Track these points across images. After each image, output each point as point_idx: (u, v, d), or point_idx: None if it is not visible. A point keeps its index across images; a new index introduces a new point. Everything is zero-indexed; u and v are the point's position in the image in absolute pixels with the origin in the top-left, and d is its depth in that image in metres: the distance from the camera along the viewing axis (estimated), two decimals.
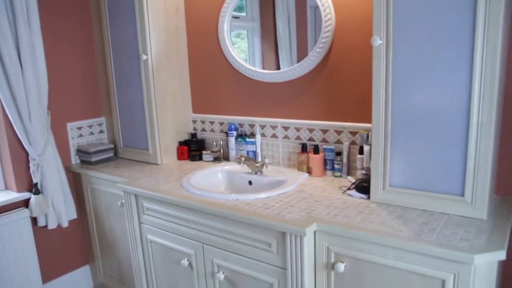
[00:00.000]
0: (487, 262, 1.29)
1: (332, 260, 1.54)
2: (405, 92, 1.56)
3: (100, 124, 2.80)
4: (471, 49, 1.41)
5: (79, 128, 2.70)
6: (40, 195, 2.40)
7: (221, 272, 1.83)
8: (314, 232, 1.54)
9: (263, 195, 1.84)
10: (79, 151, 2.65)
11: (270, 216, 1.62)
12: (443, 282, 1.33)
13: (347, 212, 1.61)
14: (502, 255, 1.29)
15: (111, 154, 2.67)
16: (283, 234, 1.57)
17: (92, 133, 2.77)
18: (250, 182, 2.15)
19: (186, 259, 1.96)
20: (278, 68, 2.25)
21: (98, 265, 2.72)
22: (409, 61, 1.53)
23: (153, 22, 2.35)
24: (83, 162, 2.66)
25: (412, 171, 1.60)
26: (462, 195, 1.52)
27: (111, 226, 2.49)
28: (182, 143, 2.59)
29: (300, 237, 1.52)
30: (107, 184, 2.39)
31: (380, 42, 1.56)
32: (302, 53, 2.15)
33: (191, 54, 2.59)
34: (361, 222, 1.52)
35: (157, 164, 2.50)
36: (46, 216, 2.48)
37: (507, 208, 1.60)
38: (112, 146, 2.69)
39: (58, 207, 2.48)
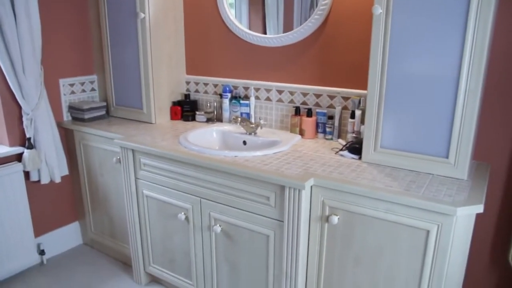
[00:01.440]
0: (467, 214, 1.45)
1: (327, 213, 1.67)
2: (401, 60, 1.67)
3: (92, 82, 2.81)
4: (464, 21, 1.52)
5: (71, 85, 2.70)
6: (33, 150, 2.43)
7: (218, 225, 1.94)
8: (311, 187, 1.66)
9: (259, 153, 1.94)
10: (72, 108, 2.67)
11: (270, 171, 1.73)
12: (428, 232, 1.48)
13: (341, 170, 1.74)
14: (480, 208, 1.44)
15: (103, 112, 2.70)
16: (282, 188, 1.68)
17: (84, 91, 2.78)
18: (244, 142, 2.24)
19: (183, 213, 2.06)
20: (265, 32, 2.32)
21: (88, 221, 2.78)
22: (406, 30, 1.63)
23: None
24: (75, 119, 2.68)
25: (402, 134, 1.73)
26: (447, 157, 1.66)
27: (104, 182, 2.55)
28: (175, 104, 2.65)
29: (299, 190, 1.64)
30: (102, 140, 2.43)
31: (381, 11, 1.65)
32: (289, 21, 2.22)
33: (187, 15, 2.61)
34: (355, 178, 1.65)
35: (151, 123, 2.55)
36: (39, 171, 2.51)
37: (483, 172, 1.76)
38: (105, 104, 2.72)
39: (50, 162, 2.52)
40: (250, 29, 2.39)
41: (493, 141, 1.85)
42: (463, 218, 1.46)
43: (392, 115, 1.74)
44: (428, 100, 1.65)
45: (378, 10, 1.66)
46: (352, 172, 1.72)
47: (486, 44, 1.50)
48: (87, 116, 2.59)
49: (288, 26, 2.24)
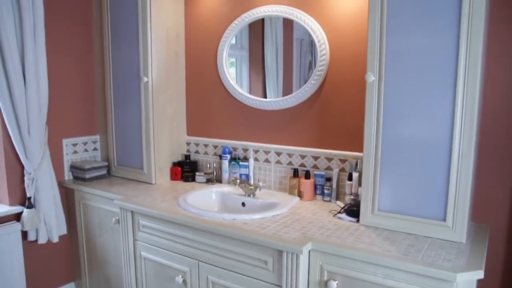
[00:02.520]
0: (467, 280, 1.43)
1: (325, 278, 1.65)
2: (395, 125, 1.72)
3: (94, 142, 2.87)
4: (453, 86, 1.58)
5: (74, 145, 2.76)
6: (32, 209, 2.43)
7: None
8: (309, 251, 1.65)
9: (258, 216, 1.95)
10: (73, 167, 2.71)
11: (268, 235, 1.73)
12: None
13: (339, 234, 1.73)
14: (480, 274, 1.43)
15: (104, 172, 2.73)
16: (280, 252, 1.67)
17: (86, 150, 2.83)
18: (243, 204, 2.25)
19: (180, 276, 2.03)
20: (265, 96, 2.40)
21: (84, 282, 2.73)
22: (399, 96, 1.70)
23: (155, 47, 2.47)
24: (76, 178, 2.71)
25: (399, 197, 1.75)
26: (444, 220, 1.66)
27: (102, 243, 2.53)
28: (176, 164, 2.68)
29: (297, 255, 1.62)
30: (102, 200, 2.44)
31: (373, 78, 1.73)
32: (288, 83, 2.32)
33: (189, 79, 2.72)
34: (353, 242, 1.64)
35: (151, 183, 2.57)
36: (37, 230, 2.50)
37: (482, 234, 1.76)
38: (106, 164, 2.76)
39: (49, 222, 2.51)
40: (250, 90, 2.47)
41: (491, 202, 1.87)
42: (463, 284, 1.44)
43: (388, 178, 1.76)
44: (422, 164, 1.68)
45: (371, 77, 1.73)
46: (350, 235, 1.71)
47: (475, 110, 1.56)
48: (88, 175, 2.62)
49: (287, 89, 2.32)
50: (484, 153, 1.85)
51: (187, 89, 2.74)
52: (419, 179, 1.70)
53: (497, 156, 1.84)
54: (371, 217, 1.81)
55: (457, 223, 1.64)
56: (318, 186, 2.20)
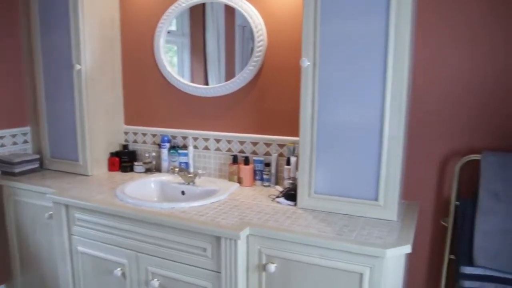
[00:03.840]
0: (397, 255, 1.49)
1: (264, 262, 1.66)
2: (329, 109, 1.75)
3: (24, 134, 2.71)
4: (383, 75, 1.64)
5: (1, 137, 2.59)
6: None
7: (156, 279, 1.88)
8: (247, 236, 1.66)
9: (197, 203, 1.93)
10: (1, 162, 2.55)
11: (205, 222, 1.71)
12: (361, 275, 1.51)
13: (277, 217, 1.75)
14: (408, 248, 1.50)
15: (36, 165, 2.59)
16: (218, 239, 1.67)
17: (15, 143, 2.67)
18: (183, 192, 2.22)
19: (119, 268, 1.97)
20: (207, 83, 2.38)
21: (17, 283, 2.59)
22: (334, 82, 1.73)
23: (88, 32, 2.36)
24: (4, 173, 2.55)
25: (335, 179, 1.79)
26: (376, 199, 1.73)
27: (36, 240, 2.41)
28: (113, 154, 2.60)
29: (235, 241, 1.63)
30: (34, 196, 2.32)
31: (308, 63, 1.75)
32: (231, 70, 2.29)
33: (126, 66, 2.63)
34: (290, 225, 1.66)
35: (87, 175, 2.48)
36: None
37: (412, 211, 1.84)
38: (38, 156, 2.62)
39: None
40: (192, 78, 2.43)
41: (420, 180, 1.96)
42: (393, 259, 1.50)
43: (324, 161, 1.80)
44: (356, 147, 1.73)
45: (306, 62, 1.75)
46: (288, 219, 1.74)
47: (404, 93, 1.62)
48: (17, 169, 2.48)
49: (229, 76, 2.30)
50: (413, 134, 1.93)
51: (124, 76, 2.65)
52: (353, 162, 1.75)
53: (425, 137, 1.92)
54: (308, 200, 1.84)
55: (388, 202, 1.71)
56: (258, 172, 2.21)
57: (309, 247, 1.57)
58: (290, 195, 1.92)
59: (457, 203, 1.81)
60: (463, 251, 1.76)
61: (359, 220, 1.71)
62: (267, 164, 2.19)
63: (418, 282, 2.03)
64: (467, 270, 1.75)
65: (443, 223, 1.90)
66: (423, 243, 1.99)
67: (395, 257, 1.50)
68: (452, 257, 1.87)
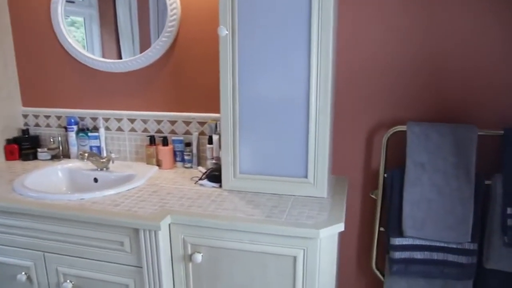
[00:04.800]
0: (330, 234, 1.42)
1: (189, 252, 1.51)
2: (251, 82, 1.61)
3: None
4: (308, 46, 1.53)
5: None
6: None
7: (68, 281, 1.66)
8: (169, 225, 1.50)
9: (111, 191, 1.72)
10: None
11: (120, 213, 1.52)
12: (295, 258, 1.42)
13: (201, 202, 1.60)
14: (341, 227, 1.43)
15: None
16: (136, 230, 1.49)
17: None
18: (95, 180, 1.99)
19: (23, 273, 1.72)
20: (120, 58, 2.12)
21: None
22: (256, 53, 1.59)
23: None
24: None
25: (260, 157, 1.67)
26: (306, 177, 1.64)
27: None
28: (10, 141, 2.26)
29: (155, 231, 1.46)
30: None
31: (227, 32, 1.58)
32: (146, 43, 2.06)
33: (18, 41, 2.27)
34: (215, 210, 1.52)
35: None
36: None
37: (341, 186, 1.79)
38: None
39: None
40: (103, 52, 2.15)
41: (348, 155, 1.91)
42: (326, 239, 1.42)
43: (249, 138, 1.67)
44: (282, 122, 1.62)
45: (224, 31, 1.58)
46: (213, 203, 1.59)
47: (329, 65, 1.52)
48: None
49: (145, 49, 2.05)
50: (339, 108, 1.87)
51: (17, 53, 2.29)
52: (280, 138, 1.64)
53: (351, 110, 1.86)
54: (234, 181, 1.71)
55: (318, 179, 1.63)
56: (178, 153, 2.04)
57: (238, 232, 1.44)
58: (214, 176, 1.78)
59: (385, 175, 1.78)
60: (392, 223, 1.75)
61: (288, 200, 1.62)
62: (188, 144, 2.02)
63: (350, 256, 2.01)
64: (397, 241, 1.74)
65: (372, 196, 1.87)
66: (354, 217, 1.96)
67: (329, 237, 1.43)
68: (382, 229, 1.85)
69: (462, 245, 1.70)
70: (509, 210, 1.64)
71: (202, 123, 2.02)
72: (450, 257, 1.72)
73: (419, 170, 1.69)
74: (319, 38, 1.51)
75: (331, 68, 1.54)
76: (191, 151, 2.01)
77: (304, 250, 1.41)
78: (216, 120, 1.94)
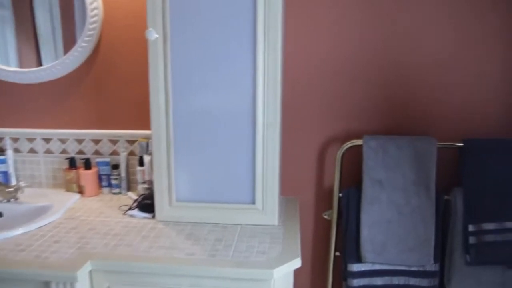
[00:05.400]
0: (285, 273, 1.21)
1: None
2: (188, 94, 1.38)
3: None
4: (253, 52, 1.32)
5: None
6: None
7: None
8: (90, 272, 1.22)
9: (17, 231, 1.39)
10: None
11: (25, 261, 1.21)
12: None
13: (130, 239, 1.33)
14: (298, 263, 1.22)
15: None
16: (47, 284, 1.19)
17: None
18: (0, 214, 1.65)
19: None
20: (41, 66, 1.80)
21: None
22: (192, 60, 1.35)
23: None
24: None
25: (201, 182, 1.44)
26: (253, 202, 1.43)
27: None
28: None
29: (71, 283, 1.17)
30: None
31: (157, 36, 1.34)
32: (70, 49, 1.75)
33: None
34: (148, 250, 1.27)
35: None
36: None
37: (292, 209, 1.60)
38: None
39: None
40: (20, 61, 1.79)
41: (298, 173, 1.72)
42: (281, 279, 1.21)
43: (186, 159, 1.43)
44: (224, 140, 1.40)
45: (153, 34, 1.34)
46: (145, 239, 1.33)
47: (278, 72, 1.32)
48: None
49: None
50: (287, 123, 1.68)
51: None
52: (222, 158, 1.41)
53: (300, 125, 1.68)
54: (169, 210, 1.46)
55: (267, 204, 1.42)
56: (103, 177, 1.74)
57: (176, 277, 1.20)
58: (146, 205, 1.51)
59: (340, 194, 1.61)
60: (349, 247, 1.58)
61: (234, 230, 1.40)
62: (115, 166, 1.73)
63: (303, 284, 1.82)
64: (355, 267, 1.57)
65: (325, 217, 1.69)
66: (306, 242, 1.78)
67: (284, 276, 1.22)
68: (338, 254, 1.68)
69: (423, 267, 1.56)
70: (470, 227, 1.53)
71: (131, 142, 1.74)
72: (412, 281, 1.58)
73: (377, 188, 1.53)
74: (265, 42, 1.31)
75: (280, 75, 1.34)
76: (119, 174, 1.72)
77: None
78: (148, 138, 1.68)
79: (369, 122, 1.64)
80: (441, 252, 1.59)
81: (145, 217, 1.50)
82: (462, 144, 1.53)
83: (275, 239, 1.33)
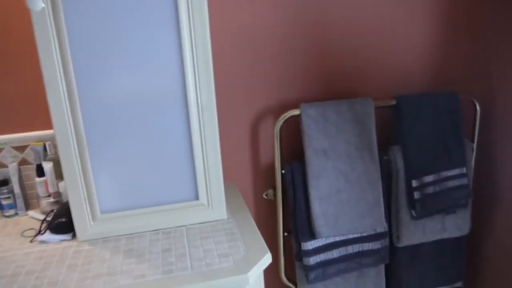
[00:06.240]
0: (259, 273, 1.04)
1: None
2: (99, 80, 1.09)
3: None
4: (175, 17, 1.08)
5: None
6: None
7: None
8: None
9: None
10: None
11: None
12: None
13: (52, 274, 1.03)
14: (269, 258, 1.06)
15: None
16: None
17: None
18: None
19: None
20: None
21: None
22: (97, 35, 1.06)
23: None
24: None
25: (129, 185, 1.17)
26: (197, 198, 1.21)
27: None
28: None
29: None
30: None
31: (43, 5, 1.01)
32: None
33: None
34: (82, 283, 0.99)
35: None
36: None
37: (233, 195, 1.42)
38: None
39: None
40: None
41: (232, 154, 1.53)
42: (254, 280, 1.04)
43: (106, 160, 1.15)
44: (152, 130, 1.15)
45: (38, 4, 1.01)
46: (72, 270, 1.04)
47: (208, 42, 1.10)
48: None
49: None
50: (220, 106, 1.48)
51: None
52: (152, 153, 1.16)
53: (230, 100, 1.48)
54: (94, 226, 1.17)
55: (213, 197, 1.22)
56: None
57: None
58: (60, 224, 1.19)
59: (283, 171, 1.47)
60: (300, 225, 1.46)
61: (180, 235, 1.17)
62: (4, 182, 1.35)
63: None
64: (309, 245, 1.46)
65: (266, 197, 1.55)
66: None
67: (257, 277, 1.05)
68: (286, 234, 1.56)
69: (375, 230, 1.52)
70: (414, 183, 1.52)
71: (21, 148, 1.37)
72: (365, 246, 1.53)
73: (321, 158, 1.42)
74: (189, 6, 1.07)
75: (210, 47, 1.12)
76: (10, 191, 1.35)
77: None
78: (44, 141, 1.33)
79: (303, 91, 1.51)
80: (388, 212, 1.57)
81: (62, 240, 1.18)
82: (395, 103, 1.50)
83: (232, 236, 1.15)
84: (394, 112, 1.52)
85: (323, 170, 1.42)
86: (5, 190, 1.34)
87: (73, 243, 1.17)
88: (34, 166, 1.35)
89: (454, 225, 1.61)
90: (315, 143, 1.41)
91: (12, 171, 1.34)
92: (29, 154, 1.37)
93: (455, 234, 1.62)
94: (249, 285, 1.01)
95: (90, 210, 1.16)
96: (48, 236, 1.19)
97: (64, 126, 1.10)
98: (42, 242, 1.18)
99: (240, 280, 0.97)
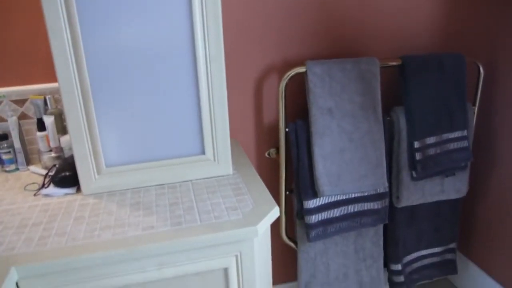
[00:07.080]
0: (267, 227, 1.05)
1: None
2: (105, 27, 1.05)
3: None
4: None
5: None
6: None
7: None
8: (17, 284, 0.90)
9: None
10: None
11: None
12: (226, 270, 1.02)
13: (59, 226, 1.02)
14: (277, 211, 1.07)
15: None
16: None
17: None
18: None
19: None
20: None
21: None
22: None
23: None
24: None
25: (134, 138, 1.16)
26: (203, 152, 1.20)
27: None
28: None
29: None
30: None
31: None
32: None
33: None
34: (91, 234, 0.98)
35: None
36: None
37: (237, 152, 1.41)
38: None
39: None
40: None
41: (236, 112, 1.52)
42: (262, 233, 1.05)
43: (112, 113, 1.12)
44: (159, 81, 1.12)
45: None
46: (79, 222, 1.03)
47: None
48: None
49: None
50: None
51: None
52: (158, 104, 1.14)
53: (235, 56, 1.45)
54: (99, 180, 1.16)
55: (219, 151, 1.21)
56: None
57: (139, 260, 0.95)
58: (64, 178, 1.18)
59: (287, 129, 1.46)
60: (303, 183, 1.46)
61: (187, 189, 1.17)
62: (4, 137, 1.32)
63: None
64: (311, 203, 1.48)
65: (268, 156, 1.55)
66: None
67: (265, 230, 1.06)
68: (288, 193, 1.56)
69: (376, 190, 1.54)
70: (416, 144, 1.53)
71: (20, 102, 1.33)
72: (366, 206, 1.54)
73: (327, 117, 1.41)
74: None
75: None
76: (10, 146, 1.32)
77: (236, 256, 1.01)
78: (44, 94, 1.30)
79: (307, 50, 1.49)
80: (388, 173, 1.58)
81: (66, 194, 1.17)
82: (400, 63, 1.48)
83: (239, 191, 1.15)
84: (399, 72, 1.51)
85: (327, 129, 1.42)
86: (5, 145, 1.32)
87: (78, 196, 1.16)
88: (34, 121, 1.32)
89: (452, 187, 1.63)
90: (321, 101, 1.40)
91: (11, 125, 1.31)
92: (29, 108, 1.34)
93: (453, 196, 1.65)
94: (257, 237, 1.01)
95: (95, 163, 1.15)
96: (52, 189, 1.17)
97: (68, 77, 1.06)
98: (46, 195, 1.17)
99: (249, 232, 0.97)
